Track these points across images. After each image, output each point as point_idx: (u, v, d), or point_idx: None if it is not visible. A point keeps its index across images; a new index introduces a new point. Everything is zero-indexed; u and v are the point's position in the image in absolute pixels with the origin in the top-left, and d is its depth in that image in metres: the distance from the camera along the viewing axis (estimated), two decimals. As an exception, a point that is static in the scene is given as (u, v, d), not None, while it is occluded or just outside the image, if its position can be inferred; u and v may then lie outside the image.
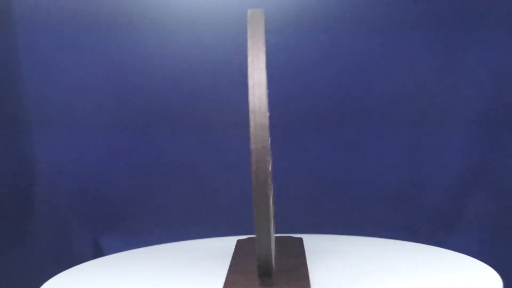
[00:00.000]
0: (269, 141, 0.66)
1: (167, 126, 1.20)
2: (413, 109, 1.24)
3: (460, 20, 1.21)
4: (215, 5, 1.21)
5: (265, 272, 0.70)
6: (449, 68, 1.22)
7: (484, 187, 1.23)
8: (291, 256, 0.86)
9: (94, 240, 1.23)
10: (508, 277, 0.89)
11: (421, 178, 1.25)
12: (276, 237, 0.84)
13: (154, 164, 1.12)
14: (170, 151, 1.22)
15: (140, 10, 1.21)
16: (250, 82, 0.69)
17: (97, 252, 1.22)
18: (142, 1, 1.21)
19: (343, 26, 1.22)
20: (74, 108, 1.21)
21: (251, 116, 0.67)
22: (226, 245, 0.97)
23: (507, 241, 1.23)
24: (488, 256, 1.06)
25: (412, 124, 1.24)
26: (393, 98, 1.24)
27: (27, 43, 1.19)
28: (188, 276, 0.83)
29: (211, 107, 1.22)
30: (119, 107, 1.24)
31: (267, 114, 0.66)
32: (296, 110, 1.22)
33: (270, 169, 0.68)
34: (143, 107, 1.23)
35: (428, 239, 1.08)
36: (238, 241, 0.87)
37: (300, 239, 0.96)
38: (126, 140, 1.23)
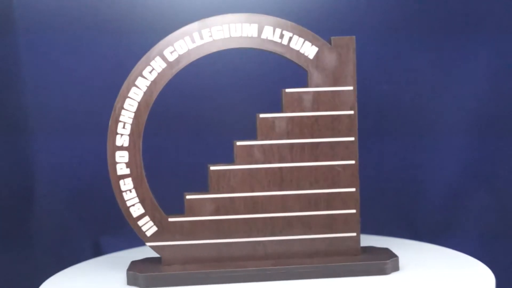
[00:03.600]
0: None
1: (167, 127, 1.21)
2: (413, 111, 1.24)
3: (459, 24, 1.21)
4: (215, 6, 1.22)
5: None
6: (449, 70, 1.22)
7: (483, 188, 1.23)
8: None
9: (93, 240, 1.23)
10: (505, 275, 0.89)
11: (421, 179, 1.25)
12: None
13: (153, 164, 1.12)
14: (169, 151, 1.22)
15: (140, 12, 1.21)
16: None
17: (97, 251, 1.22)
18: (142, 3, 1.21)
19: (341, 27, 1.22)
20: (73, 109, 1.22)
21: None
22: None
23: (504, 240, 1.23)
24: (485, 254, 1.07)
25: (412, 126, 1.24)
26: (393, 100, 1.24)
27: (27, 45, 1.19)
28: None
29: (211, 108, 1.22)
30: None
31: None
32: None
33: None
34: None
35: (428, 238, 1.09)
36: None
37: None
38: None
